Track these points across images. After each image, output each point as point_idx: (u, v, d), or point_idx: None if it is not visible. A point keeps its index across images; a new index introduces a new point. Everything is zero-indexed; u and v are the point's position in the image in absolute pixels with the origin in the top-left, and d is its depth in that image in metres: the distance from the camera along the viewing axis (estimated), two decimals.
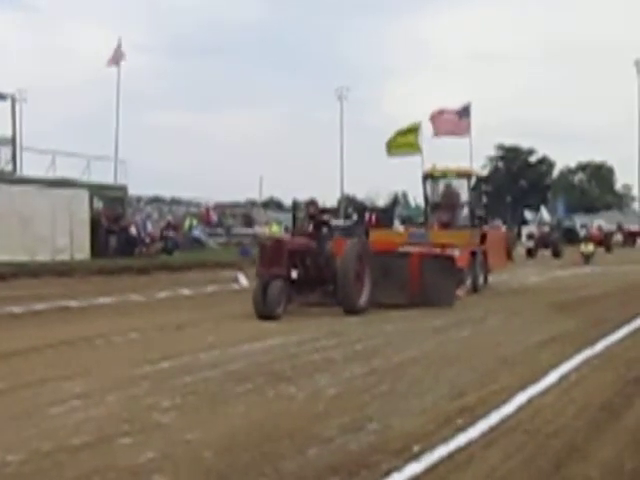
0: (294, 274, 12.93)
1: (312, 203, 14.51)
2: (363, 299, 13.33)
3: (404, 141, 25.18)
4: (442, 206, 19.82)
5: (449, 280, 14.63)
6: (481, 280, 18.69)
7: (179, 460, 4.96)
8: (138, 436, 5.42)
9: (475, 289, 17.97)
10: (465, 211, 19.85)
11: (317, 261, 13.52)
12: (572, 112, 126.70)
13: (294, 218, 14.84)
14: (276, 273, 12.61)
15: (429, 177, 20.24)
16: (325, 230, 14.02)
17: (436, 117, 30.23)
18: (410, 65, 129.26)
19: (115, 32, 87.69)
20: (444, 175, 20.18)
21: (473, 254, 18.12)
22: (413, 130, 25.28)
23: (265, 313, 12.13)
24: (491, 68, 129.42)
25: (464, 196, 19.94)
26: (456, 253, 16.14)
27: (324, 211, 14.35)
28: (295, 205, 15.82)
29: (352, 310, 12.96)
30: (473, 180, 20.48)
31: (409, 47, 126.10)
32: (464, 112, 31.14)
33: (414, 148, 24.86)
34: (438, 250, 15.74)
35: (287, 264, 12.82)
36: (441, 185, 20.23)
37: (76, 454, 5.01)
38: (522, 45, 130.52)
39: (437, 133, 29.94)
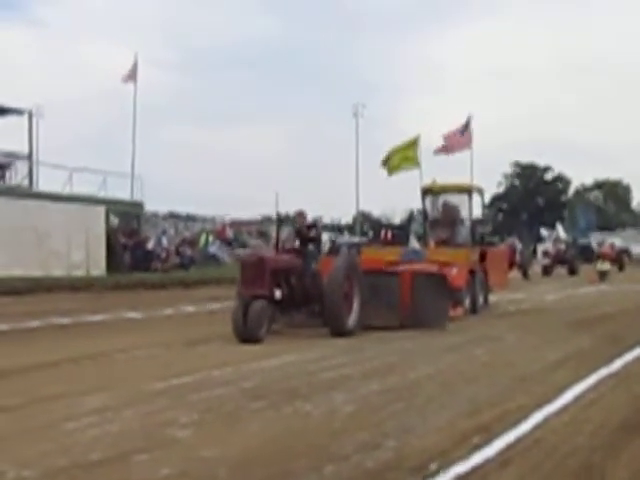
0: (278, 294, 12.13)
1: (300, 214, 13.84)
2: (352, 320, 12.53)
3: (403, 156, 24.59)
4: (440, 223, 18.96)
5: (442, 300, 13.94)
6: (481, 300, 17.85)
7: (195, 477, 4.96)
8: (154, 452, 5.42)
9: (474, 310, 17.08)
10: (465, 228, 18.82)
11: (302, 280, 12.72)
12: (588, 130, 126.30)
13: (278, 233, 14.24)
14: (258, 293, 11.78)
15: (428, 192, 19.37)
16: (312, 246, 13.34)
17: (446, 140, 29.61)
18: (425, 82, 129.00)
19: (130, 47, 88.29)
20: (443, 190, 19.28)
21: (472, 273, 17.29)
22: (412, 144, 24.65)
23: (246, 336, 11.35)
24: (507, 85, 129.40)
25: (464, 212, 18.86)
26: (453, 272, 15.68)
27: (311, 226, 13.66)
28: (280, 219, 15.21)
29: (340, 332, 12.24)
30: (475, 197, 19.53)
31: (424, 64, 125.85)
32: (465, 126, 30.48)
33: (412, 162, 24.20)
34: (432, 268, 15.08)
35: (270, 283, 12.01)
36: (440, 201, 19.26)
37: (92, 470, 5.01)
38: (538, 62, 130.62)
39: (445, 152, 29.32)
